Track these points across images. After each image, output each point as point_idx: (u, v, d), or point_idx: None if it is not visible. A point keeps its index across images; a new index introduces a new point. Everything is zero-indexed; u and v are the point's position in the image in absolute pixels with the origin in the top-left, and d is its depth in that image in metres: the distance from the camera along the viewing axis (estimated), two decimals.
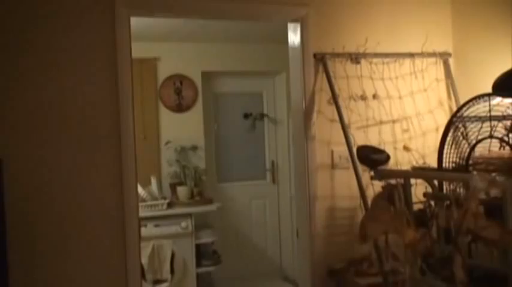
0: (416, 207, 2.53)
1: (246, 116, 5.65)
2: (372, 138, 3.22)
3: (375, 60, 3.26)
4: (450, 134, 2.57)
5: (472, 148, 2.46)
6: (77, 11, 2.73)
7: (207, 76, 5.30)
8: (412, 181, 2.59)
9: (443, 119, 3.24)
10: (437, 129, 3.30)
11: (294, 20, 3.21)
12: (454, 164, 2.52)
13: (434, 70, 3.43)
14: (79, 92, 2.71)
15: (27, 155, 2.60)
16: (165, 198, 4.68)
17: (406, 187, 2.51)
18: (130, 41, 2.83)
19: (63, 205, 2.67)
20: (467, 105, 2.55)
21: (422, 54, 3.35)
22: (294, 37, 3.28)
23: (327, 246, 3.16)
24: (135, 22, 2.93)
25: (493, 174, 2.26)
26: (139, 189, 4.18)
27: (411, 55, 3.33)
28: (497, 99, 2.51)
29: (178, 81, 5.13)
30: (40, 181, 2.63)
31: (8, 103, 2.59)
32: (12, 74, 2.60)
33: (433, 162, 2.99)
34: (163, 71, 5.09)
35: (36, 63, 2.64)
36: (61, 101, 2.68)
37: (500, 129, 2.45)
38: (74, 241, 2.69)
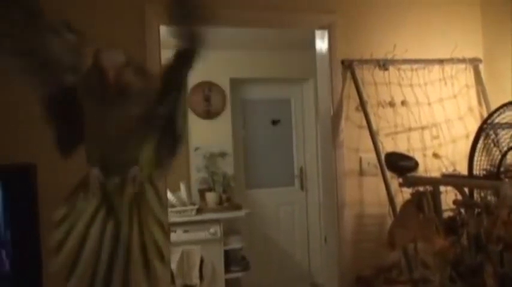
0: (446, 215, 2.51)
1: (274, 122, 5.66)
2: (400, 145, 3.20)
3: (403, 66, 3.25)
4: (481, 141, 2.55)
5: (504, 155, 2.43)
6: (109, 19, 2.78)
7: (235, 83, 5.34)
8: (442, 188, 2.57)
9: (473, 126, 3.20)
10: (467, 136, 3.27)
11: (322, 27, 3.22)
12: (484, 172, 2.50)
13: (464, 76, 3.40)
14: None
15: (58, 160, 2.65)
16: (194, 204, 4.72)
17: (436, 194, 2.49)
18: (160, 49, 2.88)
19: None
20: (498, 112, 2.52)
21: (451, 61, 3.32)
22: (321, 44, 3.29)
23: (355, 253, 3.15)
24: (165, 31, 2.98)
25: None
26: (169, 195, 4.23)
27: (440, 61, 3.30)
28: None
29: (207, 88, 5.18)
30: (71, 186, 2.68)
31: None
32: None
33: (463, 169, 2.96)
34: (193, 78, 5.14)
35: None
36: None
37: None
38: None
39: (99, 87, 1.57)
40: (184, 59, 1.66)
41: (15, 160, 2.39)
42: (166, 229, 1.73)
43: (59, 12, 2.66)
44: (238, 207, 4.86)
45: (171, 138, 1.74)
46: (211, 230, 4.53)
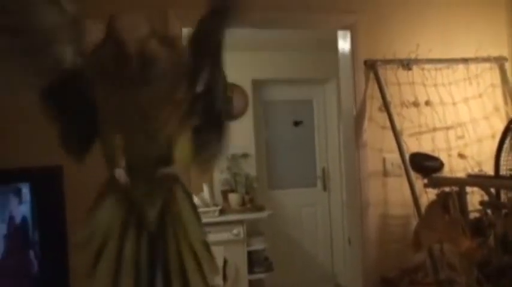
0: (472, 215, 2.48)
1: (296, 123, 5.66)
2: (425, 146, 3.17)
3: (427, 66, 3.21)
4: (507, 141, 2.52)
5: None
6: None
7: (257, 84, 5.35)
8: (468, 188, 2.54)
9: (499, 126, 3.16)
10: (493, 136, 3.22)
11: (344, 28, 3.21)
12: (511, 172, 2.46)
13: (489, 75, 3.35)
14: None
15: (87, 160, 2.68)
16: (216, 205, 4.74)
17: (462, 195, 2.46)
18: None
19: None
20: None
21: (476, 60, 3.28)
22: (343, 44, 3.28)
23: (379, 254, 3.13)
24: (187, 33, 3.00)
25: None
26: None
27: (465, 61, 3.26)
28: None
29: (229, 89, 5.19)
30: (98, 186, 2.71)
31: None
32: None
33: (489, 169, 2.92)
34: None
35: None
36: None
37: None
38: None
39: (116, 65, 1.25)
40: (218, 18, 1.30)
41: (42, 161, 2.43)
42: (207, 246, 1.44)
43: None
44: (261, 208, 4.86)
45: (213, 126, 1.39)
46: (234, 231, 4.54)
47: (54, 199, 2.29)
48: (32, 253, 2.25)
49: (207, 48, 1.32)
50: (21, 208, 2.21)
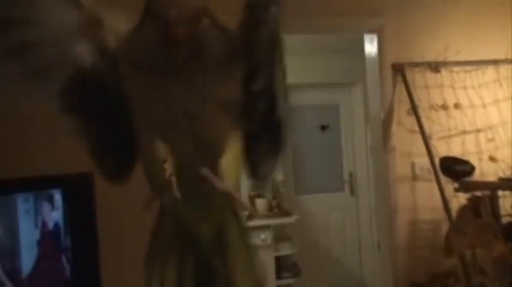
0: (505, 220, 2.44)
1: (323, 127, 5.64)
2: (454, 149, 3.13)
3: (455, 68, 3.17)
4: None
5: None
6: None
7: None
8: (500, 192, 2.49)
9: None
10: None
11: (371, 31, 3.19)
12: None
13: None
14: None
15: None
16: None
17: (494, 199, 2.42)
18: None
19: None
20: None
21: (506, 61, 3.23)
22: (370, 48, 3.26)
23: (409, 259, 3.10)
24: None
25: None
26: None
27: (495, 62, 3.21)
28: None
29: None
30: (127, 195, 2.74)
31: None
32: None
33: None
34: None
35: None
36: None
37: None
38: None
39: (159, 52, 0.98)
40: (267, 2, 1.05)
41: (73, 168, 2.48)
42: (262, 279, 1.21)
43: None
44: (287, 213, 4.85)
45: (270, 134, 1.17)
46: (262, 236, 4.54)
47: (85, 205, 2.33)
48: (64, 258, 2.29)
49: (259, 40, 1.09)
50: (54, 214, 2.25)
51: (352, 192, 5.64)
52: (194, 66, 0.99)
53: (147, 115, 1.05)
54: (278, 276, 4.67)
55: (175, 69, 0.99)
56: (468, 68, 3.20)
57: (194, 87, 1.01)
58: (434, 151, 2.93)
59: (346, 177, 5.68)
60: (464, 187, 2.59)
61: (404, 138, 3.13)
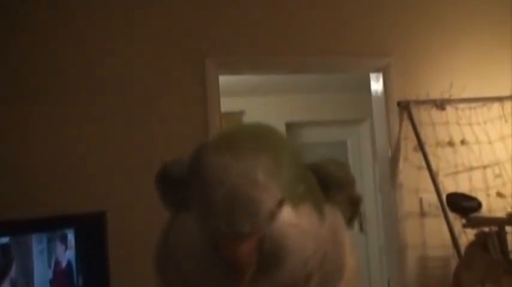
0: None
1: None
2: (462, 185, 3.14)
3: (461, 105, 3.22)
4: None
5: None
6: (171, 71, 2.91)
7: (291, 127, 5.40)
8: (508, 228, 2.50)
9: None
10: None
11: (376, 70, 3.25)
12: None
13: None
14: (173, 145, 2.85)
15: (129, 206, 2.74)
16: None
17: (502, 235, 2.43)
18: (219, 99, 2.97)
19: None
20: None
21: (511, 98, 3.27)
22: (376, 86, 3.31)
23: None
24: (221, 79, 3.07)
25: None
26: None
27: (499, 99, 3.25)
28: None
29: None
30: (141, 231, 2.77)
31: (107, 158, 2.79)
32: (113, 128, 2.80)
33: None
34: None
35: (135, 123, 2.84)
36: (155, 155, 2.72)
37: None
38: None
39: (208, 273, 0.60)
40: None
41: (87, 206, 2.52)
42: None
43: (125, 61, 2.83)
44: None
45: None
46: None
47: (97, 244, 2.36)
48: None
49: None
50: (67, 253, 2.28)
51: (361, 229, 5.62)
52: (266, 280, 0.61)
53: None
54: None
55: None
56: (473, 105, 3.24)
57: None
58: (441, 187, 2.94)
59: None
60: (472, 223, 2.60)
61: (411, 175, 3.15)
